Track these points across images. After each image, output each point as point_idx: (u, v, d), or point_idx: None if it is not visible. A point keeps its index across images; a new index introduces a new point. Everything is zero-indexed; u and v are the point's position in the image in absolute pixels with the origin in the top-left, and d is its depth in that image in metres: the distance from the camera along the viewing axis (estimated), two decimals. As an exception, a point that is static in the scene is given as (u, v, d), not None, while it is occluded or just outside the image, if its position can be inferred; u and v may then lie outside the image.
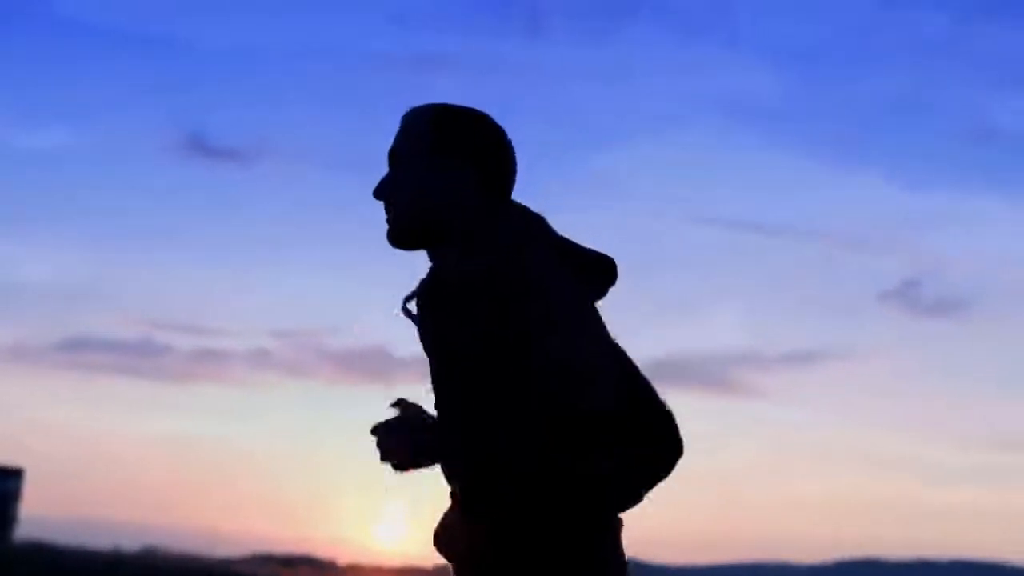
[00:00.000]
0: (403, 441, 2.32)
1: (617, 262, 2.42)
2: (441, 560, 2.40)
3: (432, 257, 2.44)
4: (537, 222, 2.39)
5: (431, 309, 2.35)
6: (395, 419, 2.35)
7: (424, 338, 2.37)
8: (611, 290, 2.42)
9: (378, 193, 2.44)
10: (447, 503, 2.41)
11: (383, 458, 2.33)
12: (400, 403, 2.39)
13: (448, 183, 2.40)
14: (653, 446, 2.25)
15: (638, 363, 2.35)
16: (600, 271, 2.40)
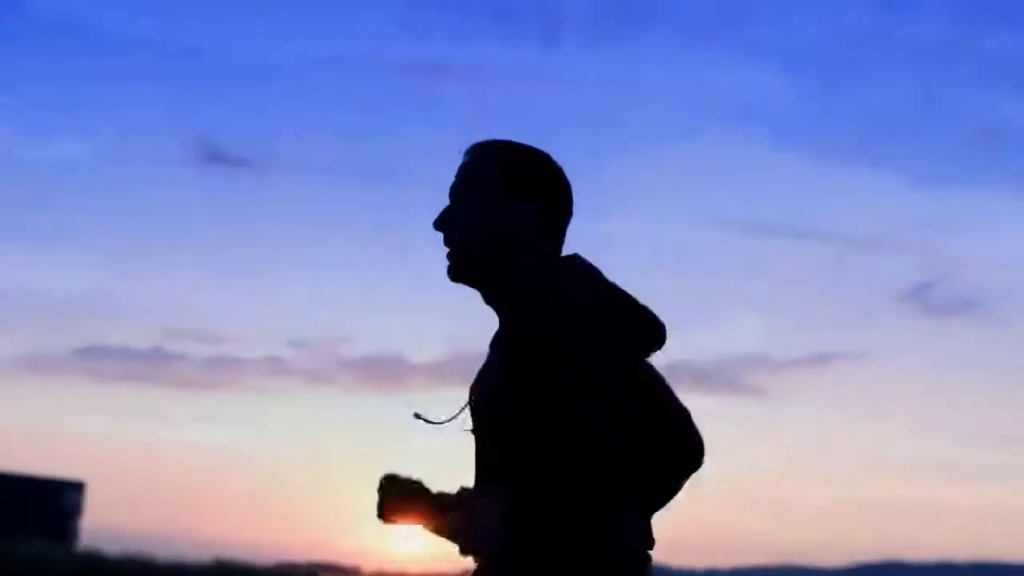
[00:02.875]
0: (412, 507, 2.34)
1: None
2: (463, 564, 2.35)
3: (487, 295, 2.40)
4: (592, 272, 2.36)
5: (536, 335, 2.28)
6: (405, 481, 2.37)
7: (514, 366, 2.30)
8: None
9: (439, 224, 2.42)
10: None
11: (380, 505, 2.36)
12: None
13: (514, 222, 2.37)
14: (669, 445, 2.25)
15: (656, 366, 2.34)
16: (649, 330, 2.36)
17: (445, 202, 2.46)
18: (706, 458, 2.37)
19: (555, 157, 2.45)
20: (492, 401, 2.32)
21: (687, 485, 2.35)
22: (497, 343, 2.39)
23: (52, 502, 33.19)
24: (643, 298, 2.40)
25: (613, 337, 2.26)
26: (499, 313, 2.41)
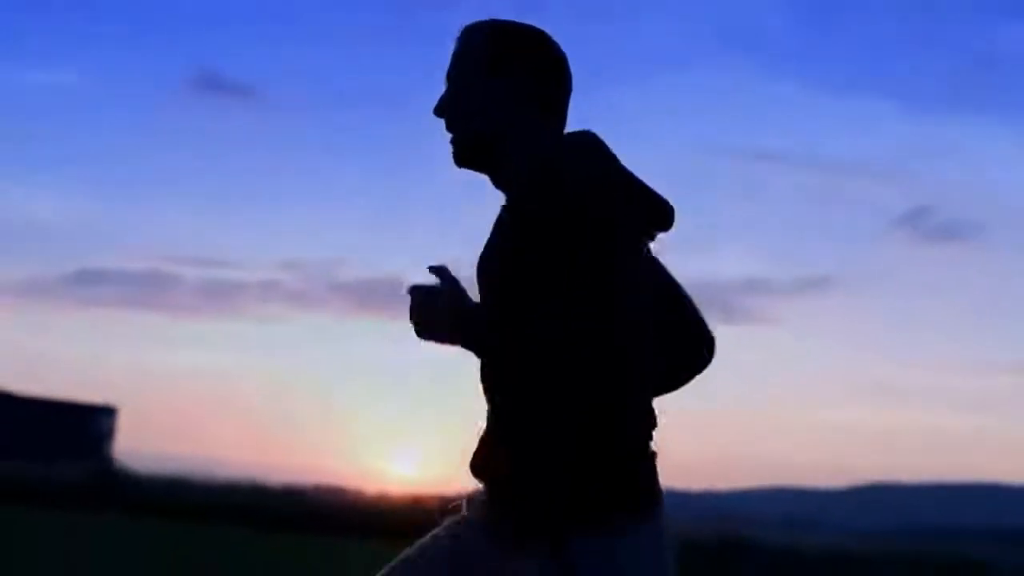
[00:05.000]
0: (436, 311, 2.23)
1: None
2: (463, 486, 2.35)
3: (495, 178, 2.36)
4: (601, 149, 2.28)
5: (545, 199, 2.21)
6: (435, 286, 2.26)
7: (518, 233, 2.25)
8: None
9: (438, 111, 2.38)
10: (469, 433, 2.36)
11: (412, 318, 2.25)
12: (440, 271, 2.28)
13: (508, 100, 2.33)
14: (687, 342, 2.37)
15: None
16: (657, 212, 2.31)
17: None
18: (702, 382, 2.38)
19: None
20: (490, 276, 2.30)
21: (689, 390, 2.40)
22: (500, 221, 2.34)
23: (84, 426, 33.46)
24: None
25: (619, 221, 2.20)
26: (506, 194, 2.36)
